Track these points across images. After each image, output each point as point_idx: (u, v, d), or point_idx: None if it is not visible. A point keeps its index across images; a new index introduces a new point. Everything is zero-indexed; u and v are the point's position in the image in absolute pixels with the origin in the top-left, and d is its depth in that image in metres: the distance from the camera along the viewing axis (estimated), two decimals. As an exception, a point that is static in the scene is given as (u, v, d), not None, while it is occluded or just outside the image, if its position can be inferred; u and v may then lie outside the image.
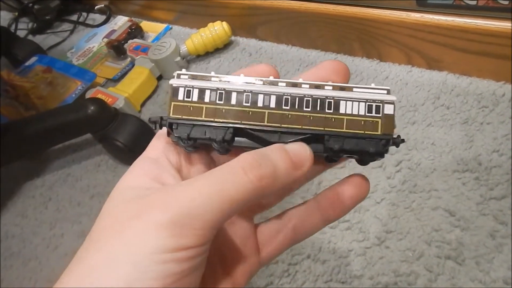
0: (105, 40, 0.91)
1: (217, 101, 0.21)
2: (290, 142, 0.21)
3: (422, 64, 0.63)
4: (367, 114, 0.21)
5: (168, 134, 0.22)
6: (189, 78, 0.21)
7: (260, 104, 0.21)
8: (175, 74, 0.22)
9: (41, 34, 1.10)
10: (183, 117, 0.21)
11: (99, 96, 0.75)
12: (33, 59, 0.91)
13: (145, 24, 0.96)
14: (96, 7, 1.06)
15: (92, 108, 0.65)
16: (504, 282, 0.42)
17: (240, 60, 0.79)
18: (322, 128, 0.21)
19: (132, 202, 0.20)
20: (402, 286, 0.44)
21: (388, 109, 0.21)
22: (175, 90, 0.21)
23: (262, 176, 0.19)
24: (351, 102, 0.21)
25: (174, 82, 0.21)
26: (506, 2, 0.50)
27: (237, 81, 0.21)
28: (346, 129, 0.21)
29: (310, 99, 0.21)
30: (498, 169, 0.49)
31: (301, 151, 0.21)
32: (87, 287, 0.18)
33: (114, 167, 0.70)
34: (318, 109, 0.21)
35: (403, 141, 0.21)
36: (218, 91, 0.21)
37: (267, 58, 0.77)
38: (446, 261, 0.45)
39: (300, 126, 0.21)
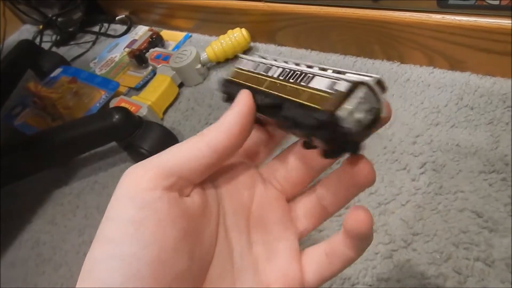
0: (127, 49, 0.93)
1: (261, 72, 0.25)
2: None
3: (444, 65, 0.62)
4: (325, 89, 0.20)
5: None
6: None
7: (270, 74, 0.25)
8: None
9: (64, 46, 1.13)
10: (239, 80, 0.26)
11: (123, 104, 0.76)
12: (58, 70, 0.93)
13: (165, 33, 0.98)
14: (117, 18, 1.08)
15: (117, 116, 0.66)
16: (536, 283, 0.41)
17: (260, 66, 0.80)
18: (286, 96, 0.22)
19: None
20: (431, 288, 0.44)
21: (340, 86, 0.19)
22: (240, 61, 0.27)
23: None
24: (324, 79, 0.21)
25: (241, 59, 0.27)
26: (530, 1, 0.49)
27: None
28: (305, 100, 0.21)
29: (298, 72, 0.23)
30: (526, 169, 0.49)
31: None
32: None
33: (139, 174, 0.71)
34: (297, 81, 0.22)
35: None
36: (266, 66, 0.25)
37: (287, 63, 0.77)
38: (475, 263, 0.44)
39: (276, 93, 0.23)
